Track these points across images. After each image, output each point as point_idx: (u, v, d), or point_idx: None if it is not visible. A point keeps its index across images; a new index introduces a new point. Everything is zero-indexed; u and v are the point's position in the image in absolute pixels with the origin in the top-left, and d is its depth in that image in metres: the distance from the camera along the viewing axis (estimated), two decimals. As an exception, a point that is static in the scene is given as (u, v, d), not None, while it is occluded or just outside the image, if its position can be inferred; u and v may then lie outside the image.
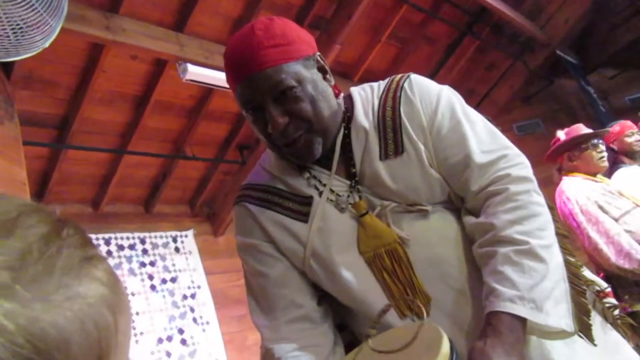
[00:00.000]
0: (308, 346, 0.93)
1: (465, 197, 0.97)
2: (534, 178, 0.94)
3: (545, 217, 0.89)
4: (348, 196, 0.97)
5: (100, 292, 0.36)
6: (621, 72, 5.03)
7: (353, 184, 0.98)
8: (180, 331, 3.49)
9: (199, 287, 3.73)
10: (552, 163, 2.69)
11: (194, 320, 3.60)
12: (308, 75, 0.94)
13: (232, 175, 3.99)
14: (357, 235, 0.95)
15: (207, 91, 3.36)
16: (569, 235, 2.04)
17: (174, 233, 3.81)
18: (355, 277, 0.93)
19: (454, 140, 0.95)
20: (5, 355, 0.29)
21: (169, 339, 3.42)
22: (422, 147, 0.95)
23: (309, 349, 0.92)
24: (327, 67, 1.00)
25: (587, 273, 1.00)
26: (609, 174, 2.66)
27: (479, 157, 0.93)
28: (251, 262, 1.02)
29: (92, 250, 0.38)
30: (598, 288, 0.99)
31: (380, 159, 0.96)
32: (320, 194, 0.98)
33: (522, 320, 0.79)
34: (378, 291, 0.92)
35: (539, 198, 0.91)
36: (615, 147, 2.82)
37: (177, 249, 3.78)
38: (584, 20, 4.97)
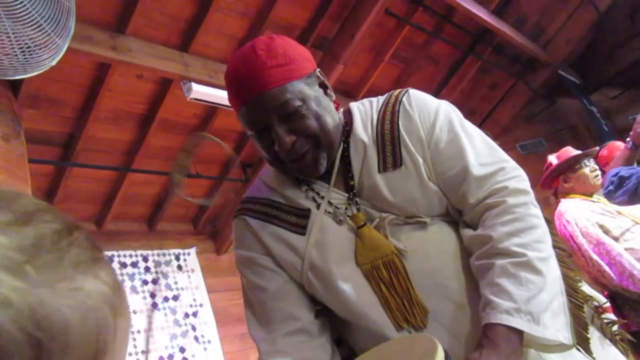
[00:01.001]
0: (305, 359, 0.92)
1: (463, 210, 0.97)
2: (531, 191, 0.94)
3: (542, 229, 0.90)
4: (346, 208, 0.98)
5: (103, 291, 0.37)
6: (624, 92, 5.04)
7: (351, 197, 0.98)
8: (182, 350, 3.47)
9: (201, 305, 3.71)
10: (548, 189, 2.69)
11: (196, 338, 3.57)
12: (311, 93, 0.95)
13: (235, 193, 4.01)
14: (355, 247, 0.95)
15: (211, 110, 3.40)
16: (567, 249, 2.03)
17: (176, 251, 3.81)
18: (353, 290, 0.93)
19: (451, 153, 0.96)
20: (10, 329, 0.30)
21: (170, 357, 3.40)
22: (420, 160, 0.96)
23: None
24: (327, 82, 1.02)
25: (586, 288, 1.00)
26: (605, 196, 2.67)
27: (476, 170, 0.94)
28: (249, 276, 1.02)
29: (100, 254, 0.40)
30: (597, 303, 0.98)
31: (379, 171, 0.97)
32: (318, 206, 0.98)
33: (519, 333, 0.78)
34: (375, 303, 0.92)
35: (536, 211, 0.92)
36: (606, 169, 2.82)
37: (179, 267, 3.78)
38: (585, 40, 5.01)
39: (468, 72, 4.69)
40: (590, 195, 2.52)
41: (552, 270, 0.86)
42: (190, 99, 3.02)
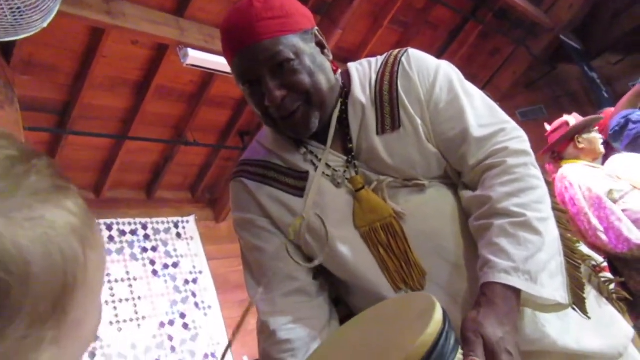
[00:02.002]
0: (303, 319, 0.93)
1: (462, 171, 0.96)
2: (531, 151, 0.93)
3: (542, 190, 0.89)
4: (344, 171, 0.97)
5: (68, 221, 0.35)
6: (625, 57, 4.98)
7: (349, 159, 0.97)
8: (182, 315, 3.52)
9: (200, 272, 3.75)
10: (561, 150, 2.68)
11: (196, 305, 3.62)
12: (306, 49, 0.93)
13: (233, 161, 3.99)
14: (353, 210, 0.95)
15: (208, 76, 3.35)
16: (566, 210, 2.05)
17: (175, 219, 3.82)
18: (351, 252, 0.93)
19: (451, 114, 0.95)
20: None
21: (171, 323, 3.45)
22: (419, 121, 0.95)
23: (304, 322, 0.92)
24: (325, 42, 0.99)
25: (584, 248, 1.00)
26: (602, 162, 2.69)
27: (476, 131, 0.93)
28: (247, 237, 1.02)
29: (65, 183, 0.37)
30: (594, 263, 0.99)
31: (377, 133, 0.95)
32: (316, 169, 0.97)
33: (517, 292, 0.78)
34: (373, 265, 0.92)
35: (536, 171, 0.91)
36: (604, 137, 2.82)
37: (178, 235, 3.80)
38: (588, 6, 4.92)
39: (468, 37, 4.62)
40: (593, 160, 2.54)
41: (551, 230, 0.86)
42: (187, 65, 2.98)
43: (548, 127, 2.70)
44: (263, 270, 0.99)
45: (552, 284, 0.80)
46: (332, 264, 0.96)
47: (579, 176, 2.40)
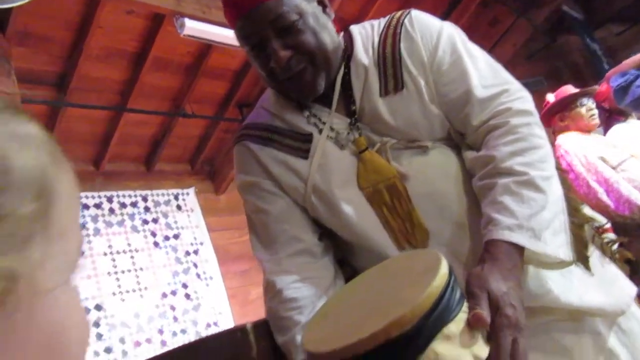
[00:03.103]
0: (309, 278, 0.94)
1: (465, 133, 0.96)
2: (535, 111, 0.93)
3: (546, 149, 0.89)
4: (348, 133, 0.97)
5: (40, 134, 0.33)
6: (629, 27, 4.92)
7: (353, 122, 0.97)
8: (184, 286, 3.56)
9: (201, 243, 3.77)
10: (546, 127, 2.69)
11: (198, 275, 3.66)
12: (309, 8, 0.93)
13: (232, 133, 3.98)
14: (357, 171, 0.95)
15: (205, 47, 3.31)
16: (568, 171, 2.06)
17: (175, 191, 3.83)
18: (355, 212, 0.94)
19: (454, 76, 0.95)
20: None
21: (173, 293, 3.49)
22: (422, 82, 0.95)
23: (310, 281, 0.94)
24: (326, 1, 0.99)
25: (587, 209, 1.01)
26: (604, 134, 2.68)
27: (480, 92, 0.93)
28: (252, 200, 1.03)
29: (18, 108, 0.35)
30: (597, 224, 1.00)
31: (380, 95, 0.96)
32: (320, 131, 0.98)
33: (520, 249, 0.79)
34: (377, 225, 0.93)
35: (540, 131, 0.91)
36: (606, 105, 2.80)
37: (179, 207, 3.81)
38: (591, -27, 4.84)
39: (469, 6, 4.55)
40: (587, 132, 2.54)
41: (554, 189, 0.87)
42: (184, 35, 2.93)
43: (551, 97, 2.67)
44: (268, 232, 1.00)
45: (555, 241, 0.81)
46: (337, 224, 0.97)
47: (574, 144, 2.42)
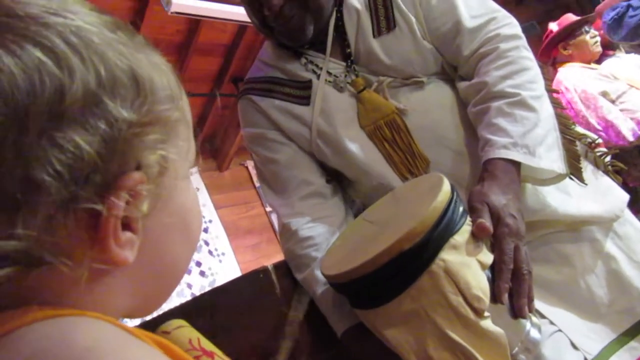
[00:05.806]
0: (322, 217, 0.99)
1: (458, 64, 1.00)
2: (523, 35, 0.97)
3: (535, 70, 0.93)
4: (345, 76, 1.01)
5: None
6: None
7: (349, 64, 1.01)
8: (198, 264, 3.63)
9: (210, 221, 3.83)
10: (546, 59, 2.69)
11: (210, 252, 3.73)
12: None
13: (229, 109, 4.00)
14: (357, 111, 0.99)
15: (194, 24, 3.30)
16: (559, 91, 2.08)
17: (179, 171, 3.87)
18: (359, 149, 0.99)
19: (443, 9, 0.98)
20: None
21: (188, 272, 3.57)
22: (413, 19, 0.98)
23: (323, 220, 0.99)
24: None
25: (578, 128, 1.05)
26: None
27: (468, 22, 0.96)
28: (260, 151, 1.07)
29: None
30: (589, 140, 1.04)
31: (374, 36, 0.99)
32: (318, 77, 1.02)
33: (516, 165, 0.84)
34: (380, 160, 0.98)
35: (528, 53, 0.95)
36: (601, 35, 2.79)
37: (184, 186, 3.85)
38: None
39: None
40: (589, 62, 2.53)
41: (545, 108, 0.91)
42: (172, 13, 2.93)
43: (554, 26, 2.64)
44: (279, 179, 1.05)
45: (549, 156, 0.86)
46: (343, 164, 1.02)
47: (573, 79, 2.42)
